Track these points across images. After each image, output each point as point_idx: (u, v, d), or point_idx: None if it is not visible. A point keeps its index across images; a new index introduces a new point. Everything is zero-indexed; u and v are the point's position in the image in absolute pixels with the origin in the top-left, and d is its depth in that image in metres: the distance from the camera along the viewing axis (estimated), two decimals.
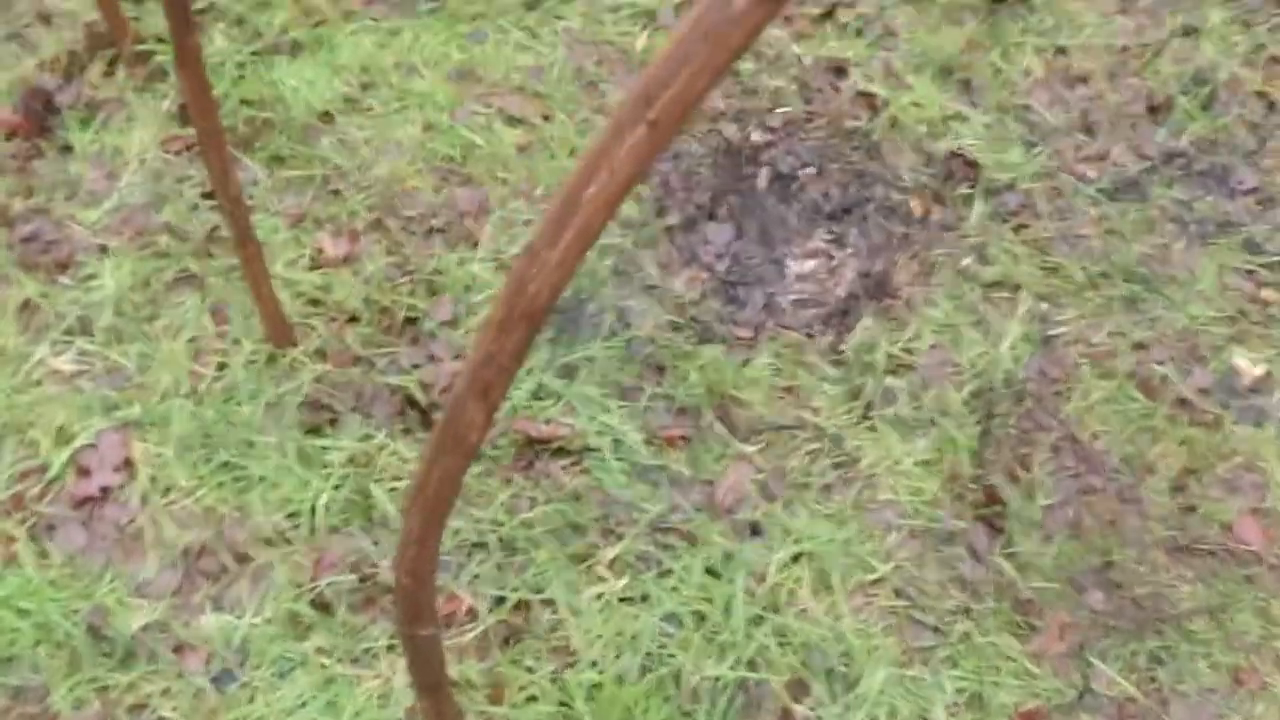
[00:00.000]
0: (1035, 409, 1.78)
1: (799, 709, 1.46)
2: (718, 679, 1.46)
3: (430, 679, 1.01)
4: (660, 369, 1.78)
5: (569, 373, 1.75)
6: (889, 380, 1.79)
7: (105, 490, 1.56)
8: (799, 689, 1.48)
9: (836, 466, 1.70)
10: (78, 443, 1.59)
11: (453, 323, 1.78)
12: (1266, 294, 2.00)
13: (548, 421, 1.69)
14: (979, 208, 2.01)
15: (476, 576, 1.53)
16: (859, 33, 2.26)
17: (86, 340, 1.71)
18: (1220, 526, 1.75)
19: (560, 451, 1.67)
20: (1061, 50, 2.28)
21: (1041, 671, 1.57)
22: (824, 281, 1.90)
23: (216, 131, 1.43)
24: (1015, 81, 2.21)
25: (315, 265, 1.82)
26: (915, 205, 1.98)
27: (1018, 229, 2.01)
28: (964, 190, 2.02)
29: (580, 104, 2.09)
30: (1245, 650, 1.65)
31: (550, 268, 0.69)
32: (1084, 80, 2.22)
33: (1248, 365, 1.90)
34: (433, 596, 0.90)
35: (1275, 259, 2.05)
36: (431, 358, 1.74)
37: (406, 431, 1.66)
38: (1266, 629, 1.68)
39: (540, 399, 1.72)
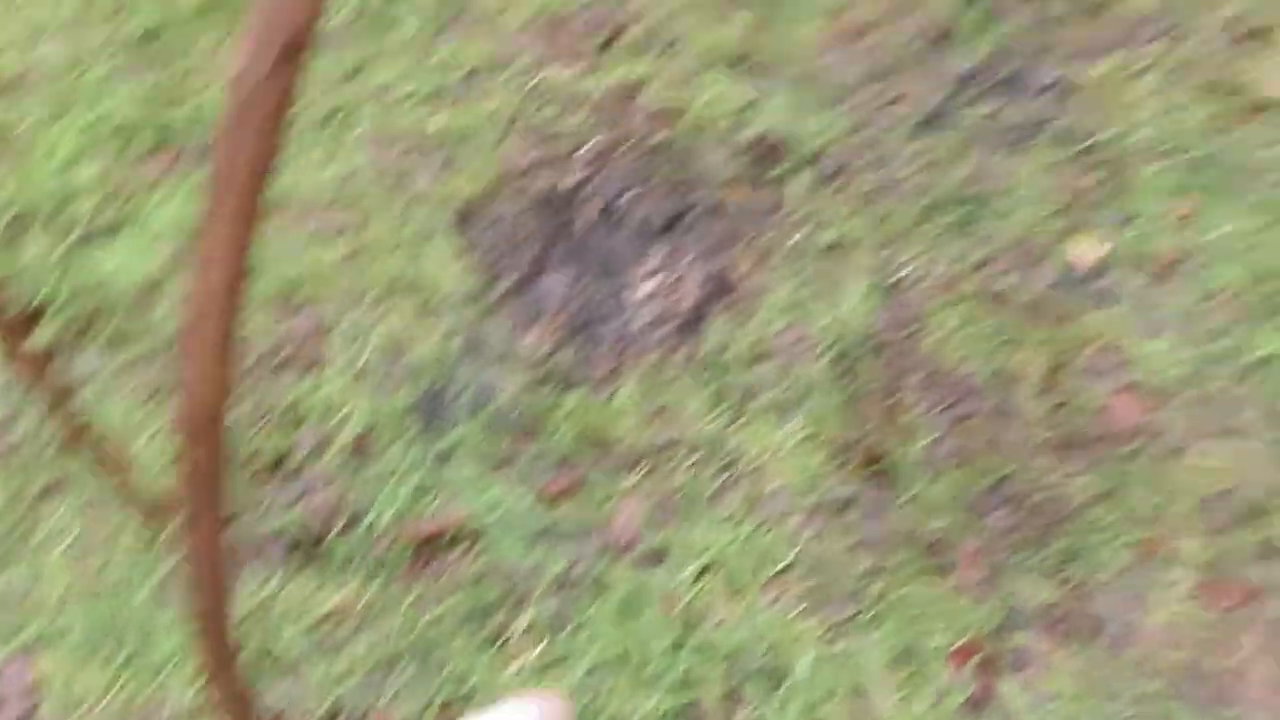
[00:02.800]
0: (895, 356, 1.82)
1: (740, 716, 1.49)
2: (654, 712, 1.48)
3: None
4: (531, 430, 1.80)
5: (445, 459, 1.77)
6: (752, 371, 1.82)
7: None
8: (733, 699, 1.51)
9: (721, 470, 1.73)
10: None
11: (318, 450, 1.80)
12: (1087, 179, 2.07)
13: (434, 516, 1.71)
14: (796, 182, 2.04)
15: (397, 693, 1.54)
16: (644, 49, 2.30)
17: None
18: (1096, 413, 1.80)
19: (454, 540, 1.69)
20: (840, 9, 2.34)
21: (965, 603, 1.60)
22: (669, 296, 1.93)
23: None
24: (803, 50, 2.26)
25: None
26: (736, 197, 2.01)
27: (839, 190, 2.05)
28: (779, 170, 2.06)
29: (394, 199, 2.11)
30: (1146, 523, 1.69)
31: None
32: (868, 29, 2.29)
33: (1084, 250, 1.96)
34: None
35: (1087, 144, 2.11)
36: (305, 492, 1.75)
37: (300, 569, 1.68)
38: (1160, 495, 1.72)
39: (423, 495, 1.73)
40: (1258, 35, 2.30)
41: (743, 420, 1.77)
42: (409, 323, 1.91)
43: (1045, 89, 2.21)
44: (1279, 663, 1.60)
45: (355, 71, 2.29)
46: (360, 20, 2.40)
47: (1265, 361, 1.89)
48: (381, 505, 1.70)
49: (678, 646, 1.54)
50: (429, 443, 1.78)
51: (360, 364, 1.87)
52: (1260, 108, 2.19)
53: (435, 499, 1.72)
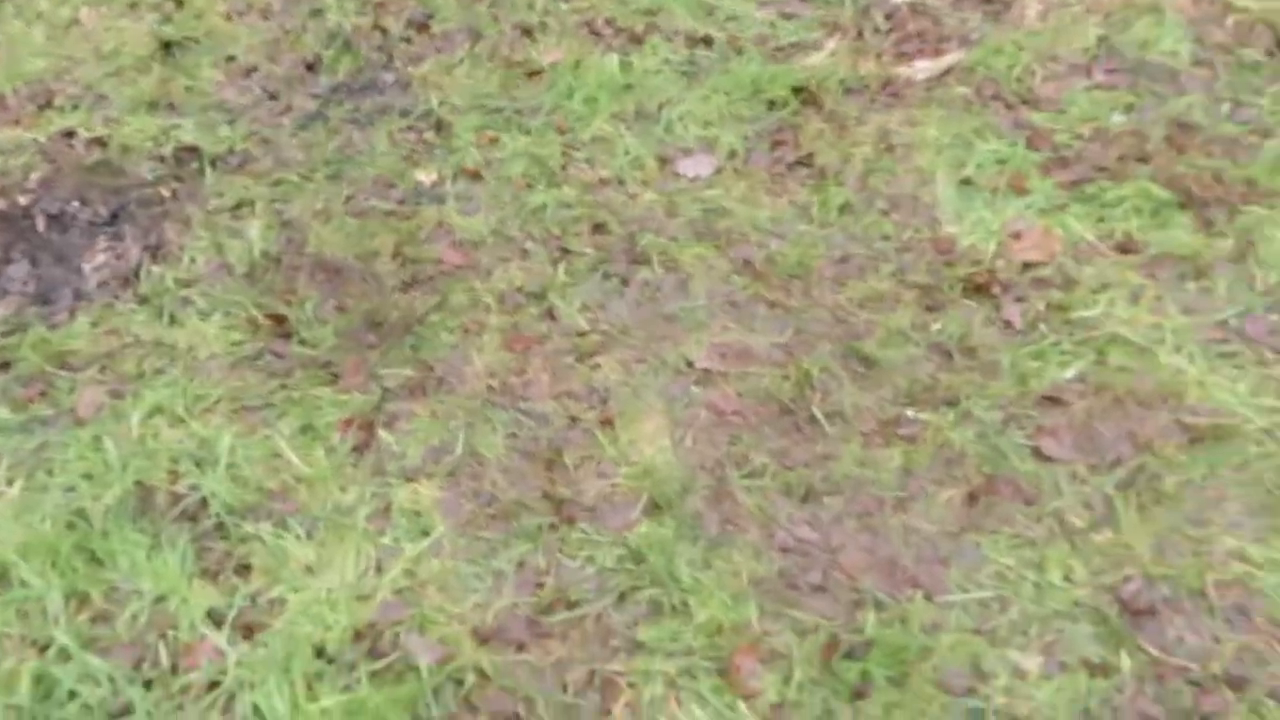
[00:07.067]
0: (290, 261, 2.90)
1: (181, 485, 2.70)
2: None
3: None
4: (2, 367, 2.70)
5: None
6: (182, 294, 2.84)
7: None
8: (176, 477, 2.73)
9: (164, 356, 2.69)
10: None
11: None
12: (424, 135, 3.20)
13: None
14: (210, 174, 3.18)
15: None
16: (76, 106, 3.40)
17: None
18: (433, 261, 2.92)
19: None
20: (231, 57, 3.53)
21: (351, 396, 2.70)
22: (116, 262, 2.94)
23: None
24: (206, 90, 3.44)
25: None
26: (164, 190, 3.15)
27: (243, 173, 3.18)
28: (195, 167, 3.21)
29: None
30: (465, 313, 2.80)
31: None
32: (255, 69, 3.43)
33: (425, 174, 3.10)
34: None
35: (422, 112, 3.32)
36: None
37: None
38: (473, 298, 2.83)
39: None
40: (530, 30, 3.52)
41: (179, 324, 2.76)
42: None
43: (390, 85, 3.34)
44: (552, 375, 2.68)
45: None
46: None
47: (540, 209, 2.98)
48: None
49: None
50: None
51: None
52: (536, 71, 3.33)
53: None
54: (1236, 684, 2.06)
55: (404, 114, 3.33)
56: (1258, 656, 2.10)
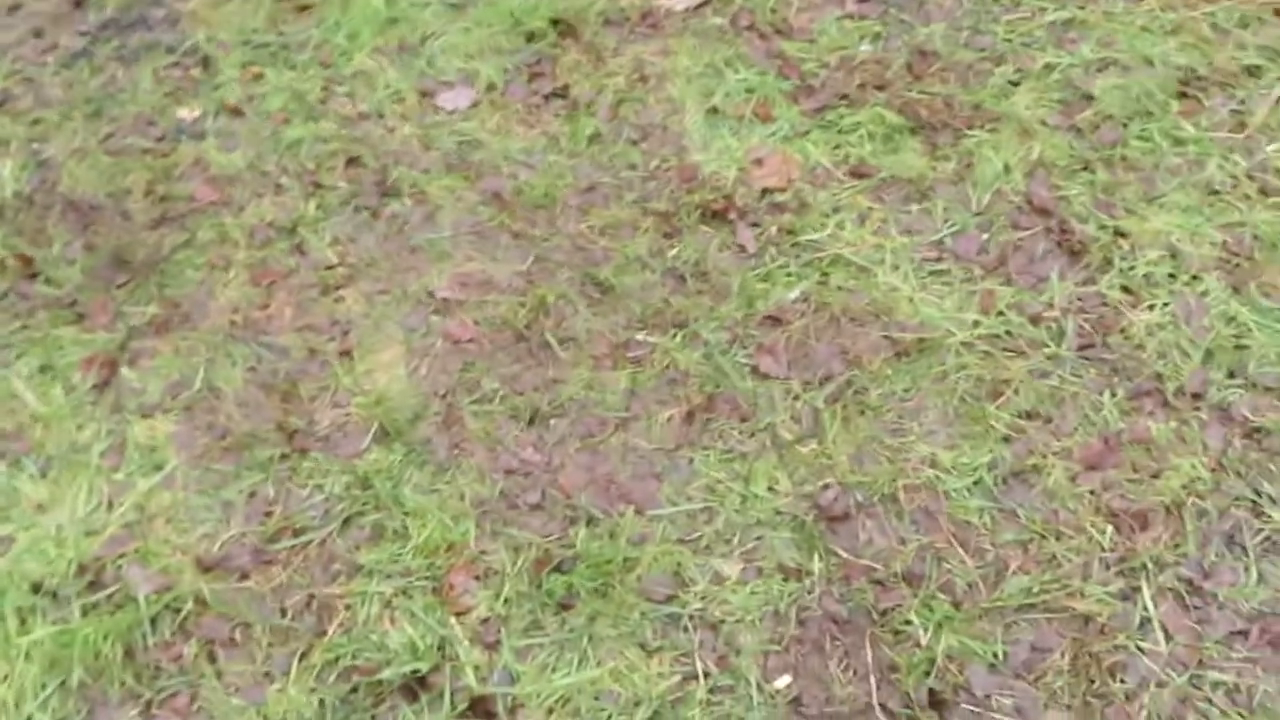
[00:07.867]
0: (43, 201, 2.91)
1: None
2: None
3: None
4: None
5: None
6: None
7: None
8: None
9: None
10: None
11: None
12: (190, 71, 3.19)
13: None
14: None
15: None
16: None
17: None
18: (185, 199, 2.92)
19: None
20: None
21: (95, 336, 2.74)
22: None
23: None
24: None
25: None
26: None
27: (3, 113, 3.12)
28: None
29: None
30: (210, 249, 2.81)
31: None
32: (20, 6, 3.37)
33: (186, 113, 3.08)
34: None
35: (188, 48, 3.28)
36: None
37: None
38: (221, 234, 2.85)
39: None
40: None
41: None
42: None
43: (160, 21, 3.31)
44: (295, 308, 2.71)
45: None
46: None
47: (296, 143, 2.99)
48: None
49: None
50: None
51: None
52: (305, 6, 3.33)
53: None
54: (914, 580, 2.20)
55: (170, 50, 3.30)
56: (937, 554, 2.23)
